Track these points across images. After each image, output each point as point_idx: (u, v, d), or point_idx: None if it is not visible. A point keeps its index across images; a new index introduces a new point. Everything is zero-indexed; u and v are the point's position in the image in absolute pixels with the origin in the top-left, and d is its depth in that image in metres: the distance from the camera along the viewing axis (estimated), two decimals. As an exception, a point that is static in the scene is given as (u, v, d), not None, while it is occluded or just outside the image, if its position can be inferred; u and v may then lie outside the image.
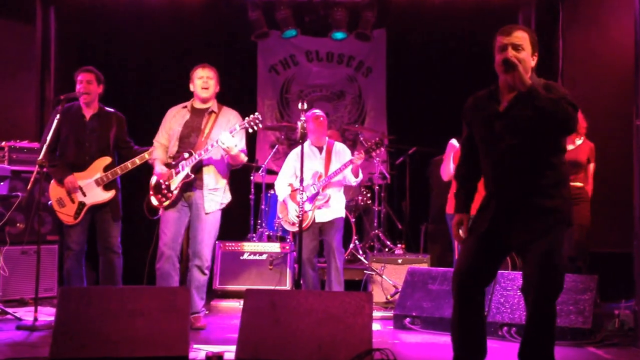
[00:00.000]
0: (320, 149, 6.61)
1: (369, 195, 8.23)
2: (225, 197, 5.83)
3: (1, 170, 6.37)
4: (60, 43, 8.03)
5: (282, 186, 6.62)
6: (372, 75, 9.44)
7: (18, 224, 6.84)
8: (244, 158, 5.74)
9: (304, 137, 5.50)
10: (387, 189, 8.45)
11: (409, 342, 5.42)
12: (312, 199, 6.43)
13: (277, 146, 8.71)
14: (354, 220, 7.94)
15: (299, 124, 5.45)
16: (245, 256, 7.33)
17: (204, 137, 5.67)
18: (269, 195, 7.88)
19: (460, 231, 4.10)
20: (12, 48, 7.77)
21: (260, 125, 5.57)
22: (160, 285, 5.52)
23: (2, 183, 6.28)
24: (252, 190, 8.07)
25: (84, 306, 4.31)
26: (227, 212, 8.81)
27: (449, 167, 6.64)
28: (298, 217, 5.77)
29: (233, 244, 7.39)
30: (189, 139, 5.70)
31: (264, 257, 7.31)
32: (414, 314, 5.83)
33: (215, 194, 5.72)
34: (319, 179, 6.47)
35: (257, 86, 9.34)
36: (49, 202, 6.03)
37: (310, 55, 9.42)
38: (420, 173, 8.59)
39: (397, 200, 8.86)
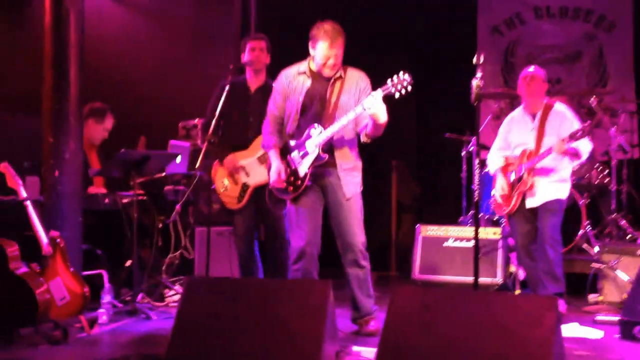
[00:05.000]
0: (533, 117, 5.62)
1: (606, 172, 6.95)
2: (360, 177, 4.87)
3: (176, 148, 6.09)
4: (260, 16, 7.68)
5: (493, 157, 5.78)
6: (616, 31, 8.06)
7: (214, 204, 6.58)
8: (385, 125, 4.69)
9: (479, 99, 4.45)
10: (630, 165, 7.11)
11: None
12: (514, 184, 5.56)
13: (490, 117, 7.63)
14: (584, 202, 6.74)
15: (474, 82, 4.41)
16: (450, 242, 6.42)
17: (332, 108, 4.70)
18: (482, 173, 6.92)
19: None
20: (211, 22, 7.60)
21: (410, 88, 4.48)
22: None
23: (178, 161, 5.98)
24: (464, 167, 7.15)
25: (210, 300, 3.75)
26: (436, 193, 8.27)
27: None
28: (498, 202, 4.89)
29: (436, 228, 6.52)
30: (311, 110, 4.74)
31: (472, 244, 6.35)
32: (647, 321, 4.66)
33: (353, 175, 4.78)
34: (527, 157, 5.50)
35: (477, 50, 8.30)
36: (213, 186, 5.59)
37: (539, 12, 8.25)
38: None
39: (644, 179, 7.46)
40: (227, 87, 5.25)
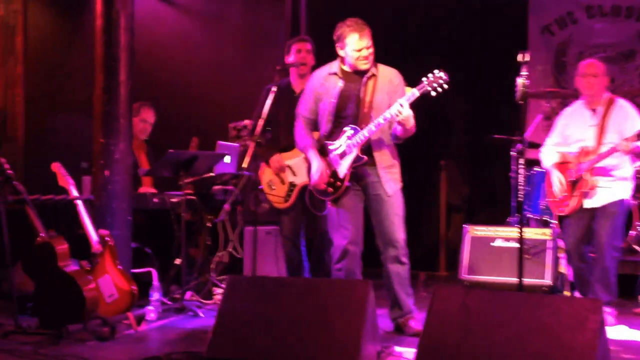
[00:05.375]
0: (593, 112, 5.36)
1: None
2: (399, 174, 4.86)
3: (224, 148, 6.13)
4: (310, 20, 7.70)
5: (547, 152, 5.58)
6: (670, 30, 7.87)
7: (263, 204, 6.63)
8: (414, 130, 4.71)
9: (524, 97, 4.37)
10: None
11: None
12: (574, 184, 5.34)
13: (540, 116, 7.48)
14: (636, 202, 6.58)
15: (519, 80, 4.34)
16: (498, 243, 6.34)
17: (367, 108, 4.69)
18: (532, 172, 6.82)
19: None
20: (262, 24, 7.67)
21: (446, 86, 4.48)
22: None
23: (227, 162, 6.04)
24: (513, 167, 7.05)
25: (251, 299, 3.79)
26: (486, 193, 8.16)
27: None
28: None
29: (484, 229, 6.45)
30: (346, 111, 4.73)
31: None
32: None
33: (392, 172, 4.77)
34: (585, 155, 5.30)
35: (528, 50, 8.15)
36: (260, 186, 5.64)
37: (591, 11, 8.06)
38: None
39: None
40: (273, 89, 5.28)
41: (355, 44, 4.67)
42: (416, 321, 4.73)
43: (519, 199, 4.43)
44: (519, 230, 4.24)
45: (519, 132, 7.01)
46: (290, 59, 5.55)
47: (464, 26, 8.11)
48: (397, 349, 4.22)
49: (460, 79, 4.71)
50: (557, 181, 5.42)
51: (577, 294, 5.60)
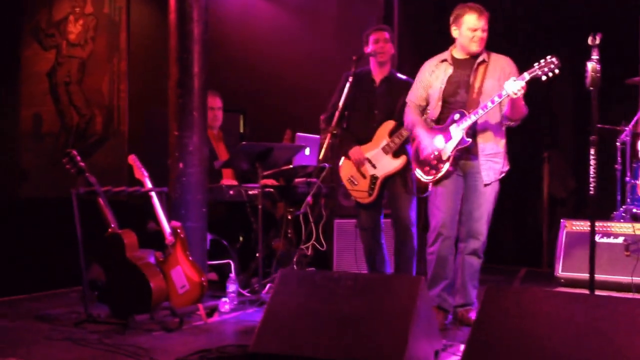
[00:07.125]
0: None
1: None
2: (505, 165, 4.76)
3: (303, 139, 6.07)
4: (403, 12, 7.54)
5: None
6: None
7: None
8: (526, 111, 4.61)
9: (595, 84, 4.04)
10: None
11: None
12: None
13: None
14: None
15: (589, 65, 4.00)
16: (597, 238, 5.96)
17: (476, 93, 4.62)
18: (638, 165, 6.40)
19: None
20: (354, 16, 7.59)
21: (557, 71, 4.35)
22: (436, 272, 4.70)
23: (307, 153, 5.98)
24: (619, 159, 6.65)
25: (300, 293, 3.70)
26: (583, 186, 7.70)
27: None
28: None
29: (582, 223, 6.10)
30: (455, 97, 4.69)
31: (620, 240, 5.91)
32: None
33: (495, 161, 4.68)
34: None
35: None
36: (341, 183, 5.56)
37: None
38: None
39: None
40: (350, 79, 5.20)
41: (472, 23, 4.65)
42: (474, 312, 4.69)
43: (591, 192, 4.13)
44: (591, 225, 3.96)
45: (624, 122, 6.67)
46: (369, 48, 5.46)
47: (575, 13, 7.73)
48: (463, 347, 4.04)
49: (564, 67, 4.49)
50: None
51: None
